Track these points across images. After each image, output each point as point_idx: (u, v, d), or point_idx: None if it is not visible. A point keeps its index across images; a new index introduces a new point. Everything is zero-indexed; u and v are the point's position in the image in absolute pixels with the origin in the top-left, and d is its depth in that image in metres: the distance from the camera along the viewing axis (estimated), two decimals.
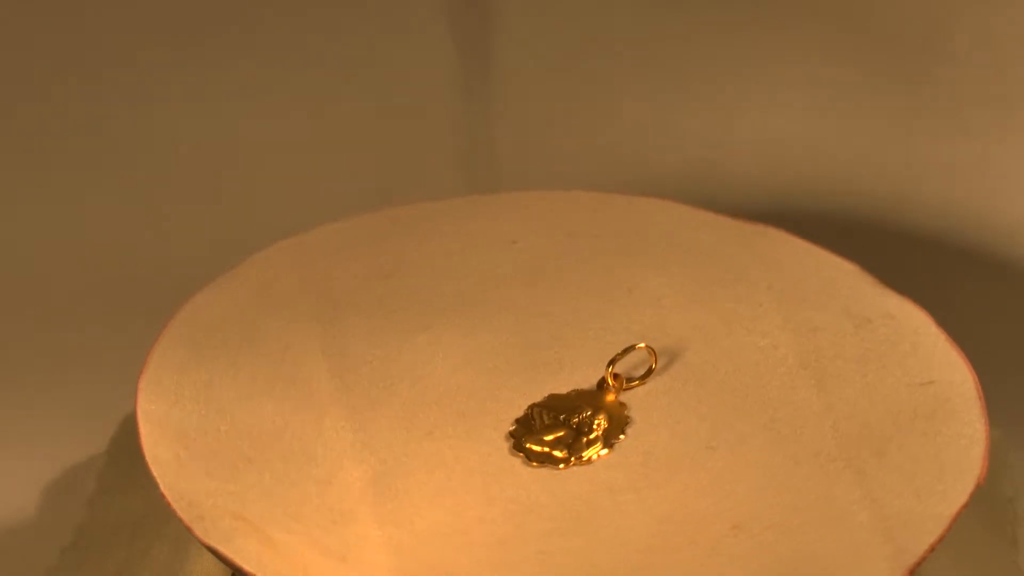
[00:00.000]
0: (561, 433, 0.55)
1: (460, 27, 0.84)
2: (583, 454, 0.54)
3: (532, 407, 0.56)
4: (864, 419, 0.54)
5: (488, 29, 0.84)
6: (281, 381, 0.58)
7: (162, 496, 0.53)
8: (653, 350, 0.57)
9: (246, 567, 0.50)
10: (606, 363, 0.57)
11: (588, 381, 0.57)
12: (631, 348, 0.57)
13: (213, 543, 0.51)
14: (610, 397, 0.56)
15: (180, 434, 0.56)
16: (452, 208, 0.67)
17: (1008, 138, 0.82)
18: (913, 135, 0.83)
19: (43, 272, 0.80)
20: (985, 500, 0.56)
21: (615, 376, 0.57)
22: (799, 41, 0.83)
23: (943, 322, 0.60)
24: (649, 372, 0.57)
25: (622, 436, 0.55)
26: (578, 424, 0.55)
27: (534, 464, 0.54)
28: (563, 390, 0.57)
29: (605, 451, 0.54)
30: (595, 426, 0.55)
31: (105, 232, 0.82)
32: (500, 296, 0.62)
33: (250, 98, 0.84)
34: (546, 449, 0.54)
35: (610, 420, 0.55)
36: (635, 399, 0.56)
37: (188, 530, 0.52)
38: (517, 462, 0.54)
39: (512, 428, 0.56)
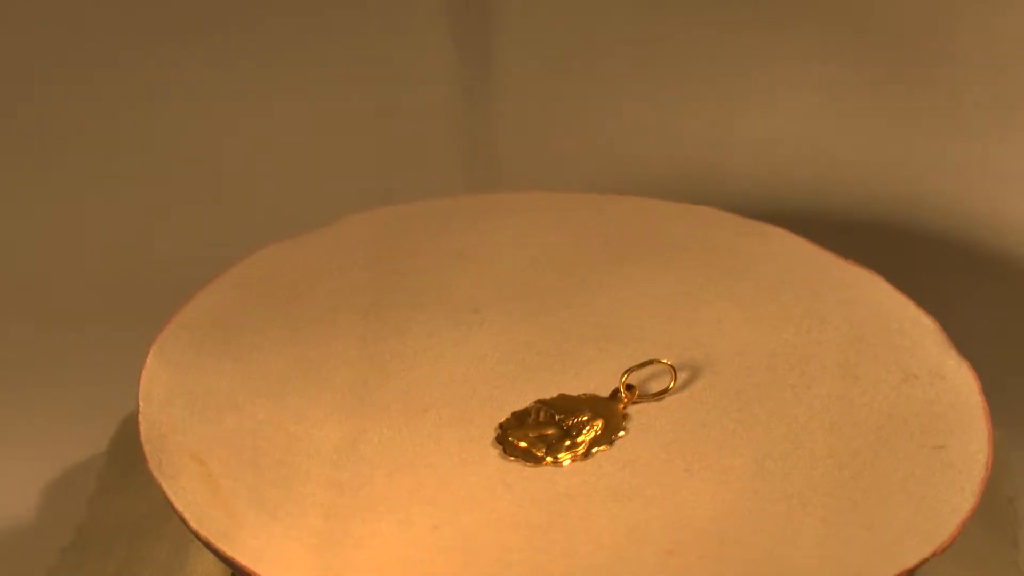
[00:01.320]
0: (549, 432, 0.55)
1: (460, 27, 0.84)
2: (559, 456, 0.54)
3: (537, 403, 0.56)
4: (857, 470, 0.53)
5: (488, 29, 0.84)
6: (309, 340, 0.59)
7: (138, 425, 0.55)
8: (674, 368, 0.57)
9: (177, 505, 0.51)
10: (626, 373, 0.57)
11: (607, 389, 0.57)
12: (650, 362, 0.57)
13: (159, 477, 0.52)
14: (618, 407, 0.56)
15: (183, 370, 0.57)
16: (550, 201, 0.67)
17: (1008, 138, 0.82)
18: (913, 135, 0.83)
19: (43, 272, 0.80)
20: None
21: (628, 387, 0.56)
22: (799, 41, 0.83)
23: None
24: (665, 391, 0.56)
25: (604, 446, 0.55)
26: (570, 427, 0.55)
27: (511, 458, 0.54)
28: (580, 392, 0.57)
29: (582, 457, 0.54)
30: (585, 431, 0.55)
31: (105, 232, 0.82)
32: (564, 293, 0.62)
33: (250, 98, 0.84)
34: (526, 445, 0.54)
35: (604, 429, 0.55)
36: (643, 413, 0.56)
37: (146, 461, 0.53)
38: (494, 453, 0.54)
39: (505, 419, 0.55)
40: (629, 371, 0.56)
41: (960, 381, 0.57)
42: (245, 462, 0.53)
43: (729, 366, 0.58)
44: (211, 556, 0.54)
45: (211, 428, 0.55)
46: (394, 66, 0.84)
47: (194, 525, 0.51)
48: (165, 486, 0.52)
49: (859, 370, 0.57)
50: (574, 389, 0.57)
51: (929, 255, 0.81)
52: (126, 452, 0.67)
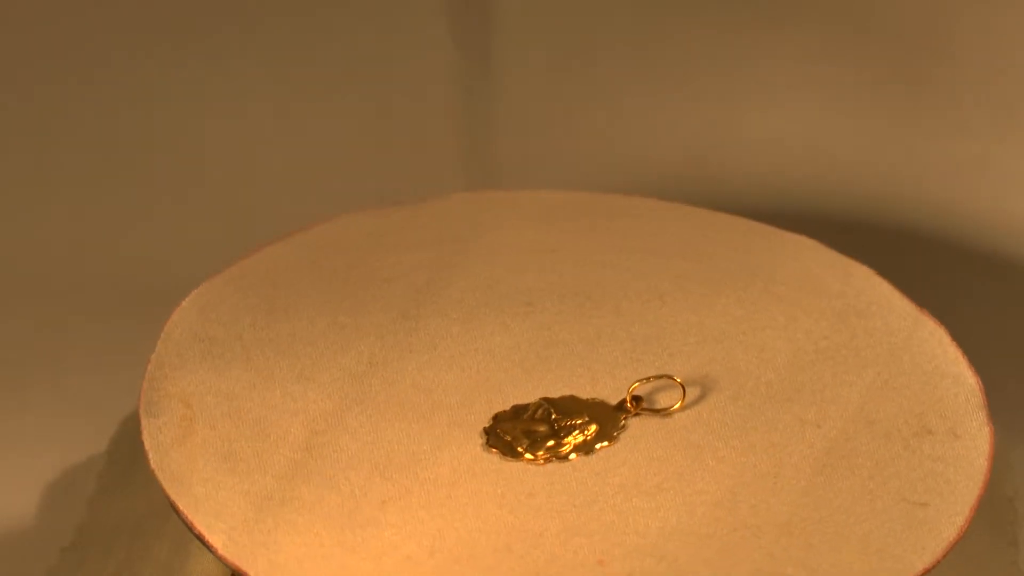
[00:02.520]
0: (540, 429, 0.54)
1: (460, 27, 0.84)
2: (538, 454, 0.54)
3: (541, 399, 0.56)
4: (827, 514, 0.52)
5: (488, 29, 0.84)
6: (350, 307, 0.59)
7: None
8: (683, 387, 0.56)
9: (146, 442, 0.52)
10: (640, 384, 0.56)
11: (620, 397, 0.56)
12: (660, 376, 0.56)
13: (142, 413, 0.53)
14: (620, 417, 0.55)
15: (214, 317, 0.58)
16: (642, 207, 0.67)
17: (1008, 138, 0.82)
18: (913, 135, 0.83)
19: (43, 272, 0.80)
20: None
21: (635, 399, 0.56)
22: (799, 41, 0.83)
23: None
24: (669, 408, 0.56)
25: (580, 453, 0.54)
26: (561, 428, 0.55)
27: (492, 450, 0.54)
28: (591, 396, 0.56)
29: (560, 459, 0.53)
30: (574, 434, 0.54)
31: (105, 232, 0.82)
32: (621, 299, 0.61)
33: (250, 98, 0.84)
34: (510, 439, 0.54)
35: (596, 435, 0.54)
36: (642, 426, 0.55)
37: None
38: (478, 442, 0.54)
39: (502, 411, 0.55)
40: (638, 382, 0.56)
41: (973, 444, 0.55)
42: (229, 413, 0.54)
43: (750, 393, 0.57)
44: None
45: (212, 375, 0.55)
46: (394, 66, 0.84)
47: (153, 465, 0.51)
48: (143, 423, 0.53)
49: (877, 416, 0.56)
50: (588, 392, 0.56)
51: (929, 255, 0.81)
52: (126, 452, 0.67)
